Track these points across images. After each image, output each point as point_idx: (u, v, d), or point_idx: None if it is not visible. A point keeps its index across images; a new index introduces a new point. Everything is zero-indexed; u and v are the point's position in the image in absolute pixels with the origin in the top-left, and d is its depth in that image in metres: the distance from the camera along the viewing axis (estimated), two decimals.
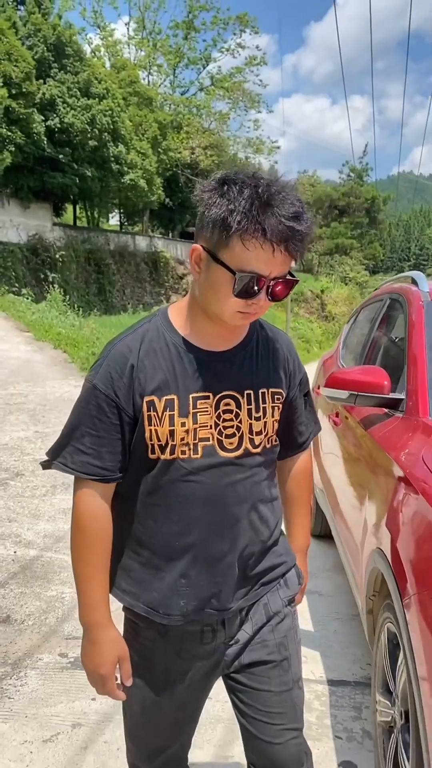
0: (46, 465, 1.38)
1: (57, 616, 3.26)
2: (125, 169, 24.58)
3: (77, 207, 29.79)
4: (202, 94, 36.17)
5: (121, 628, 1.44)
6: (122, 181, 24.65)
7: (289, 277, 1.24)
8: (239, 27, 34.69)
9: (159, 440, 1.31)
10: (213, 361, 1.34)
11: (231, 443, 1.35)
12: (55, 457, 1.35)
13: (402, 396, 2.45)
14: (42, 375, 8.47)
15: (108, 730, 2.40)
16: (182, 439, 1.31)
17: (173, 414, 1.30)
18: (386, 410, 2.53)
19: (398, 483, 2.04)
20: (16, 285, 19.45)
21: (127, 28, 34.51)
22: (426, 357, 2.51)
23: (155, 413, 1.30)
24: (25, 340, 10.39)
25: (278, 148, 36.91)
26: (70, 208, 29.42)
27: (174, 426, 1.31)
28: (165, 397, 1.30)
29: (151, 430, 1.31)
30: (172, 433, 1.31)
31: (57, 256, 22.47)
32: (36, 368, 8.81)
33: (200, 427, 1.32)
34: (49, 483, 5.03)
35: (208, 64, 35.86)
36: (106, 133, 23.02)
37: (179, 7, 57.56)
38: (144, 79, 32.70)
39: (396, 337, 2.99)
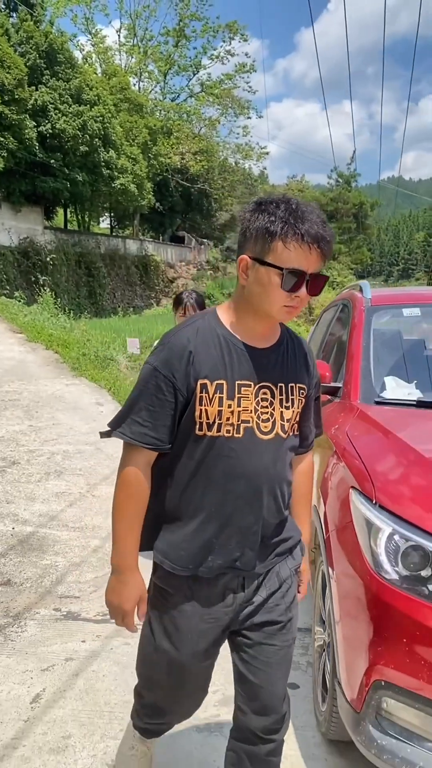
0: (105, 434, 1.62)
1: (51, 580, 3.72)
2: (116, 173, 25.02)
3: (68, 211, 30.17)
4: (192, 100, 36.65)
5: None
6: (113, 185, 25.08)
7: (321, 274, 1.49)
8: (229, 35, 35.20)
9: (208, 419, 1.52)
10: (254, 356, 1.56)
11: (266, 427, 1.57)
12: (115, 428, 1.58)
13: (340, 384, 2.95)
14: (35, 374, 8.91)
15: (95, 662, 2.87)
16: (227, 419, 1.53)
17: (222, 396, 1.52)
18: (328, 396, 3.03)
19: (331, 454, 2.54)
20: (8, 287, 19.82)
21: (118, 35, 34.97)
22: (361, 352, 3.01)
23: (206, 395, 1.52)
24: (18, 341, 10.81)
25: (267, 154, 37.45)
26: (61, 211, 29.78)
27: (222, 407, 1.52)
28: (216, 381, 1.52)
29: (201, 409, 1.52)
30: (220, 413, 1.52)
31: (48, 259, 22.84)
32: (29, 368, 9.24)
33: (243, 410, 1.54)
34: (43, 470, 5.49)
35: (198, 71, 36.37)
36: (97, 139, 23.45)
37: (170, 15, 57.90)
38: (135, 85, 33.14)
39: (343, 336, 3.49)
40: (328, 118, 32.73)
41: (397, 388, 2.81)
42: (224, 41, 35.30)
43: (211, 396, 1.52)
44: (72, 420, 6.90)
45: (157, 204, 31.93)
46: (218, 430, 1.53)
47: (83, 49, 33.22)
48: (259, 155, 37.09)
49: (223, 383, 1.52)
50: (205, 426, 1.53)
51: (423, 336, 3.40)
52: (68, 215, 30.77)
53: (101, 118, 23.63)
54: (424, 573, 1.79)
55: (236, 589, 1.63)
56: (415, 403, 2.70)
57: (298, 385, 1.62)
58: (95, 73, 28.28)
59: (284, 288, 1.46)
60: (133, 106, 28.64)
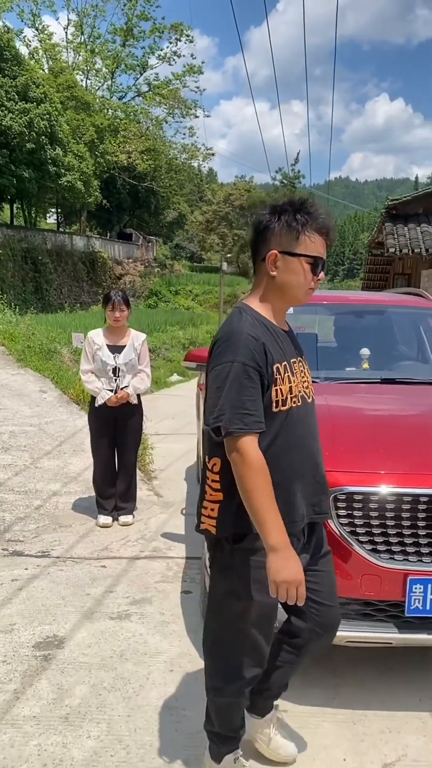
0: (219, 434, 1.76)
1: (0, 530, 4.49)
2: (62, 171, 25.43)
3: (14, 207, 30.30)
4: (139, 99, 37.12)
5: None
6: (59, 182, 25.48)
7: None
8: (175, 36, 35.80)
9: (282, 395, 1.81)
10: (286, 336, 1.89)
11: (308, 393, 1.90)
12: (231, 427, 1.72)
13: None
14: None
15: (35, 581, 3.67)
16: (291, 391, 1.83)
17: (288, 375, 1.83)
18: None
19: None
20: None
21: (65, 32, 35.13)
22: None
23: (280, 376, 1.81)
24: None
25: (212, 155, 38.27)
26: (7, 207, 29.90)
27: (291, 383, 1.83)
28: (283, 363, 1.82)
29: (277, 389, 1.79)
30: (290, 389, 1.83)
31: None
32: None
33: (300, 383, 1.87)
34: None
35: (145, 71, 36.85)
36: (43, 136, 23.82)
37: (117, 14, 57.92)
38: (81, 81, 33.41)
39: None
40: (258, 117, 33.87)
41: None
42: (170, 42, 35.88)
43: (282, 376, 1.81)
44: (17, 405, 7.59)
45: (105, 201, 32.37)
46: (289, 404, 1.83)
47: (30, 44, 33.31)
48: (204, 155, 37.88)
49: (285, 364, 1.84)
50: (279, 403, 1.81)
51: (313, 330, 4.32)
52: (14, 211, 30.89)
53: (48, 116, 24.01)
54: None
55: (299, 535, 1.91)
56: None
57: (305, 357, 2.01)
58: (42, 70, 28.54)
59: (314, 273, 1.83)
60: (80, 104, 29.02)
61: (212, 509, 1.87)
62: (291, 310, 4.32)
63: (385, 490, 2.43)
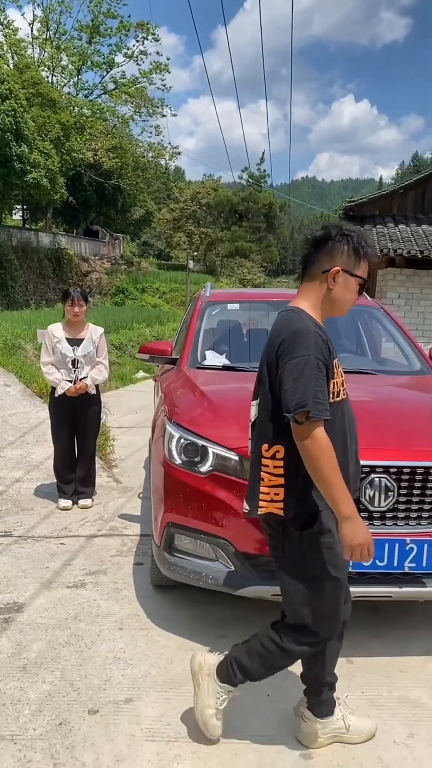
0: (304, 419, 1.96)
1: None
2: (28, 168, 25.36)
3: None
4: (106, 97, 37.09)
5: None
6: (25, 179, 25.42)
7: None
8: (141, 34, 35.90)
9: (336, 388, 2.10)
10: (330, 339, 2.15)
11: (346, 387, 2.22)
12: (311, 413, 1.95)
13: (177, 356, 4.16)
14: None
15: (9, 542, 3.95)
16: (341, 384, 2.14)
17: (339, 370, 2.13)
18: (171, 366, 4.23)
19: (162, 399, 3.73)
20: None
21: (31, 28, 34.93)
22: (193, 334, 4.22)
23: (336, 370, 2.11)
24: None
25: (179, 154, 38.47)
26: None
27: (342, 377, 2.16)
28: (335, 360, 2.12)
29: (334, 382, 2.09)
30: (342, 382, 2.14)
31: None
32: None
33: (343, 379, 2.18)
34: None
35: (111, 68, 36.84)
36: (8, 133, 23.76)
37: (83, 11, 57.60)
38: (47, 78, 33.27)
39: (187, 322, 4.70)
40: (219, 115, 34.09)
41: (213, 358, 4.05)
42: (137, 40, 35.95)
43: (336, 371, 2.11)
44: None
45: (71, 198, 32.35)
46: (341, 395, 2.14)
47: None
48: (171, 154, 38.07)
49: (335, 361, 2.13)
50: (335, 394, 2.10)
51: (239, 323, 4.67)
52: None
53: (13, 113, 23.94)
54: (195, 459, 3.00)
55: None
56: (221, 367, 3.95)
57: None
58: (6, 66, 28.39)
59: (359, 293, 2.17)
60: (45, 100, 28.94)
61: (276, 493, 2.10)
62: (237, 306, 4.70)
63: None
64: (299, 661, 2.37)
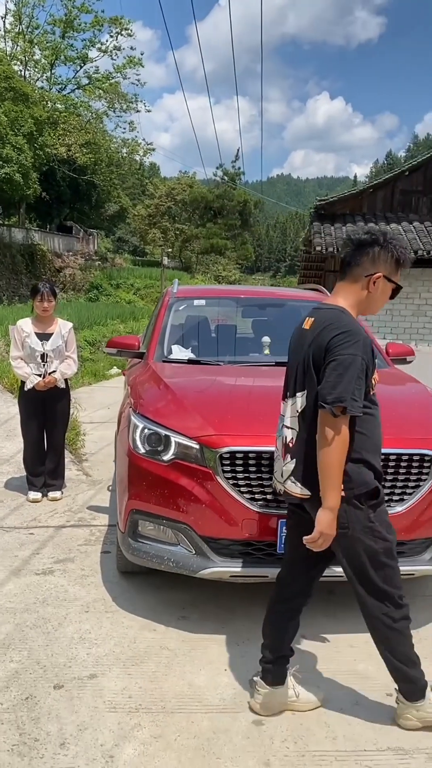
0: (339, 413, 2.15)
1: None
2: (0, 163, 25.18)
3: None
4: (79, 92, 36.84)
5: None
6: None
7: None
8: (115, 29, 35.69)
9: (374, 382, 2.31)
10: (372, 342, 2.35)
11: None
12: (348, 409, 2.15)
13: (144, 350, 4.29)
14: None
15: None
16: (375, 380, 2.34)
17: (375, 367, 2.31)
18: (139, 359, 4.35)
19: (128, 392, 3.86)
20: None
21: (3, 22, 34.54)
22: (160, 329, 4.35)
23: (375, 368, 2.31)
24: None
25: (153, 150, 38.36)
26: None
27: (377, 374, 2.34)
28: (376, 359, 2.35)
29: (373, 378, 2.29)
30: (376, 378, 2.33)
31: None
32: None
33: (377, 374, 2.35)
34: None
35: (85, 63, 36.59)
36: None
37: (56, 5, 57.03)
38: (20, 72, 32.97)
39: (155, 318, 4.83)
40: (191, 114, 34.16)
41: (179, 352, 4.19)
42: (111, 36, 35.75)
43: (374, 368, 2.30)
44: None
45: (44, 194, 32.14)
46: (373, 389, 2.33)
47: None
48: (145, 150, 37.96)
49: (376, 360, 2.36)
50: (372, 388, 2.30)
51: (207, 318, 4.82)
52: None
53: None
54: (158, 448, 3.13)
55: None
56: (187, 360, 4.09)
57: None
58: None
59: (391, 298, 2.38)
60: (18, 95, 28.68)
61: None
62: (203, 302, 4.85)
63: (260, 449, 2.94)
64: (261, 630, 2.60)
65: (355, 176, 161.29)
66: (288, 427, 2.42)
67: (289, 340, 2.54)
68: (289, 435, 2.40)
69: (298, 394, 2.38)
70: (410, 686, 2.43)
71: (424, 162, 14.29)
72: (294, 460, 2.38)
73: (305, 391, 2.34)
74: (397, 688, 2.47)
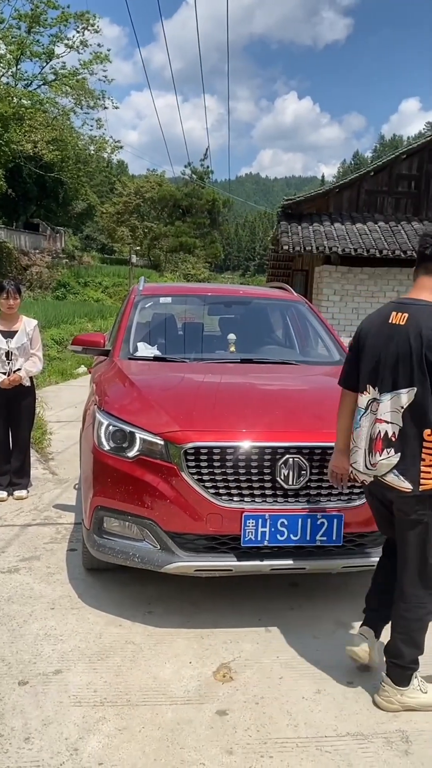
0: None
1: None
2: None
3: None
4: (45, 88, 36.40)
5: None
6: None
7: None
8: (82, 25, 35.35)
9: None
10: None
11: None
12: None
13: (110, 348, 4.30)
14: None
15: None
16: None
17: None
18: (105, 357, 4.36)
19: (93, 389, 3.87)
20: None
21: None
22: (125, 326, 4.36)
23: None
24: None
25: (121, 147, 38.05)
26: None
27: None
28: None
29: None
30: None
31: None
32: None
33: None
34: None
35: (51, 59, 36.16)
36: None
37: (21, 0, 56.18)
38: None
39: (121, 315, 4.84)
40: (157, 112, 34.18)
41: (144, 350, 4.21)
42: (77, 31, 35.41)
43: None
44: None
45: (10, 191, 31.69)
46: None
47: None
48: (113, 147, 37.68)
49: None
50: None
51: (174, 315, 4.85)
52: None
53: None
54: (123, 445, 3.15)
55: None
56: (152, 358, 4.12)
57: None
58: None
59: None
60: None
61: None
62: (169, 299, 4.87)
63: (225, 444, 2.98)
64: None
65: (323, 176, 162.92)
66: (388, 422, 2.49)
67: (364, 333, 2.65)
68: (391, 430, 2.47)
69: (403, 390, 2.44)
70: (403, 672, 2.55)
71: (389, 162, 14.51)
72: (399, 454, 2.45)
73: (414, 388, 2.41)
74: (386, 672, 2.59)
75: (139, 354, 4.17)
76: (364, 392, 2.61)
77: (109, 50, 36.90)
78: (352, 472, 2.73)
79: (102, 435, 3.21)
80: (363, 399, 2.61)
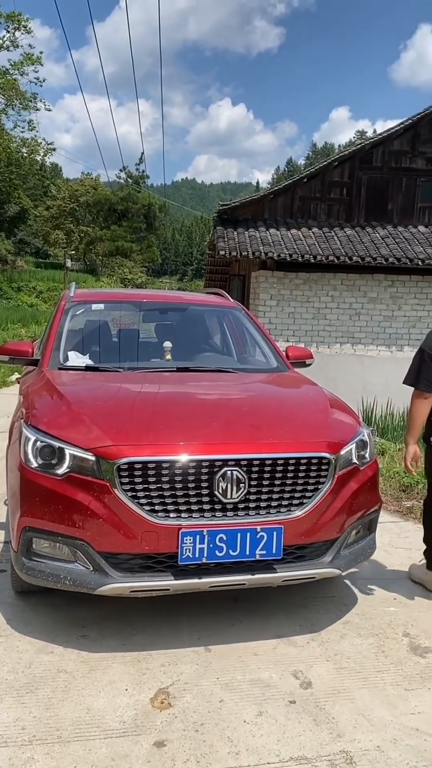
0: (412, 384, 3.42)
1: None
2: None
3: None
4: None
5: None
6: None
7: None
8: (13, 26, 34.50)
9: None
10: None
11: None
12: (419, 386, 3.44)
13: (39, 357, 4.10)
14: None
15: None
16: None
17: None
18: (34, 367, 4.15)
19: (21, 402, 3.66)
20: None
21: None
22: (55, 334, 4.17)
23: None
24: None
25: (54, 150, 37.29)
26: None
27: None
28: None
29: None
30: None
31: None
32: None
33: None
34: None
35: None
36: None
37: None
38: None
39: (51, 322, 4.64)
40: (90, 115, 33.73)
41: (76, 359, 4.03)
42: (8, 32, 34.52)
43: None
44: None
45: None
46: None
47: None
48: (46, 150, 36.89)
49: None
50: None
51: (108, 323, 4.69)
52: None
53: None
54: (52, 461, 2.98)
55: None
56: (84, 367, 3.94)
57: None
58: None
59: None
60: None
61: None
62: (102, 306, 4.70)
63: (160, 458, 2.85)
64: None
65: (258, 182, 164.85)
66: None
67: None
68: None
69: None
70: None
71: (321, 170, 14.72)
72: None
73: None
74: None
75: (69, 363, 3.98)
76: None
77: (41, 52, 36.15)
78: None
79: (29, 451, 3.02)
80: None
